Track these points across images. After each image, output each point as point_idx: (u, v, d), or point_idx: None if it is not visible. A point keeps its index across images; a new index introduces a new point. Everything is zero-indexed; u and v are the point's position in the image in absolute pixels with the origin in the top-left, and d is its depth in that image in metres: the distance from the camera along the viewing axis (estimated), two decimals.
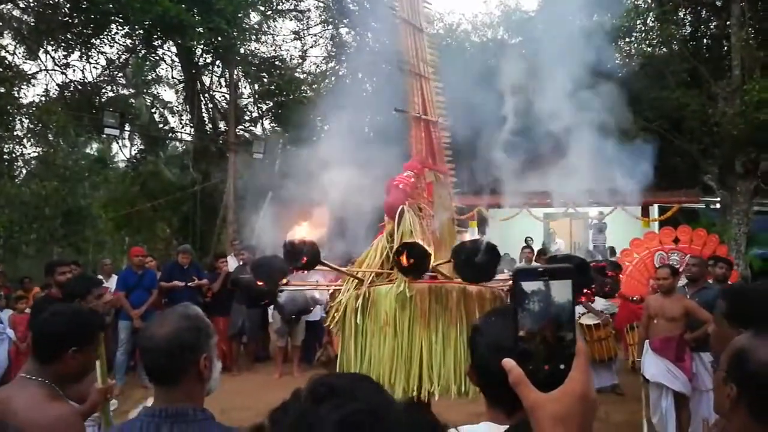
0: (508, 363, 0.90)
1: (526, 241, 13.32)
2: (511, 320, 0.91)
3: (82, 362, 2.27)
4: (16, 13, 15.35)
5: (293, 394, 0.83)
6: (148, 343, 1.83)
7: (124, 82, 18.41)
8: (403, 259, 3.21)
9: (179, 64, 17.70)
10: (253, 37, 16.76)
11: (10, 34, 15.24)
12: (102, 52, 16.32)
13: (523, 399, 0.89)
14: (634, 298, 7.61)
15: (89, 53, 15.85)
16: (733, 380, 1.44)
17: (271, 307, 8.33)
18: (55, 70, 16.22)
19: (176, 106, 19.42)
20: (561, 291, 0.90)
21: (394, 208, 3.66)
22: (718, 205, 13.20)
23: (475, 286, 3.49)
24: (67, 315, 2.33)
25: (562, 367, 0.89)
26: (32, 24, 15.33)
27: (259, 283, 3.37)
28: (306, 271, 3.65)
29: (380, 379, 3.33)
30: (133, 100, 18.54)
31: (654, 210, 13.76)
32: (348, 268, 4.00)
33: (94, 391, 2.67)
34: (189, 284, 8.77)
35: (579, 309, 7.58)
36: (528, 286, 0.90)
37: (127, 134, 17.94)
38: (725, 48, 13.27)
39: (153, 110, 19.31)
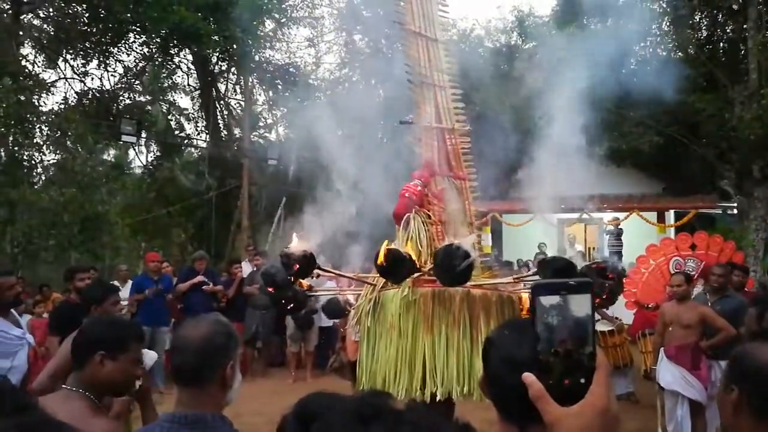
0: (528, 377, 0.91)
1: (539, 247, 13.24)
2: (531, 335, 0.92)
3: (113, 371, 2.21)
4: (36, 22, 15.65)
5: (335, 412, 0.81)
6: (181, 342, 1.87)
7: (141, 89, 18.67)
8: (379, 260, 3.33)
9: (195, 72, 17.91)
10: (268, 44, 16.90)
11: (30, 44, 15.53)
12: (119, 61, 16.59)
13: (543, 414, 0.89)
14: (650, 305, 7.54)
15: (107, 61, 16.11)
16: (734, 382, 1.43)
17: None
18: (73, 79, 16.50)
19: (192, 113, 19.63)
20: (579, 305, 0.90)
21: (400, 217, 3.78)
22: (735, 211, 13.05)
23: (479, 289, 3.56)
24: (101, 322, 2.38)
25: (582, 381, 0.90)
26: (52, 33, 15.61)
27: (269, 290, 3.55)
28: (313, 278, 3.82)
29: (386, 380, 3.44)
30: (149, 108, 18.77)
31: (670, 215, 13.62)
32: (356, 273, 4.10)
33: (117, 402, 2.71)
34: (204, 288, 8.85)
35: None
36: (546, 300, 0.91)
37: (143, 141, 18.17)
38: (742, 52, 13.12)
39: (169, 117, 19.54)
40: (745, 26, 12.31)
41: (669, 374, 5.56)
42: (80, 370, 2.24)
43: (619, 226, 12.77)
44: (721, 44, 14.15)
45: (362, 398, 0.82)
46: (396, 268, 3.32)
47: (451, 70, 4.46)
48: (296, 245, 3.61)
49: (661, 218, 13.34)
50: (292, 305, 3.78)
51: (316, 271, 3.76)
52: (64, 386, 2.26)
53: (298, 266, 3.48)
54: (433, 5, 4.42)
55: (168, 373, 7.33)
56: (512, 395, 0.97)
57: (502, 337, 1.44)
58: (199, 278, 8.82)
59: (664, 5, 13.52)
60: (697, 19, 13.70)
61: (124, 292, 8.46)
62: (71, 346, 2.34)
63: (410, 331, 3.46)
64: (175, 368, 1.88)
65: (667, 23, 13.32)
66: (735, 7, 13.06)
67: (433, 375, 3.37)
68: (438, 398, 3.32)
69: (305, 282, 4.01)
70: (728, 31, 13.92)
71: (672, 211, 13.58)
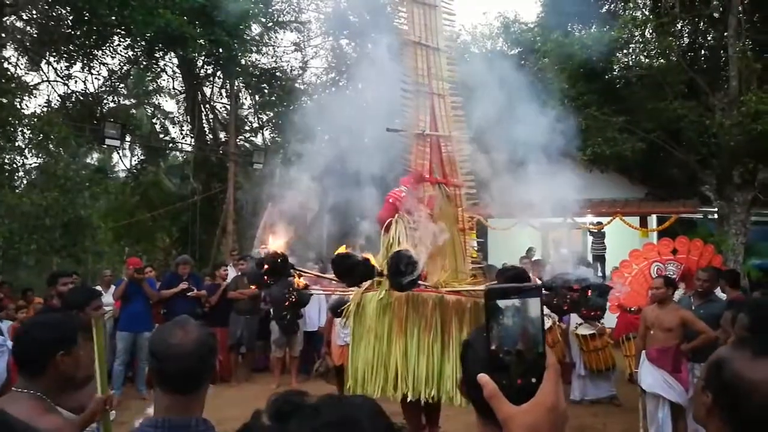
0: (483, 378, 0.94)
1: (528, 251, 13.28)
2: (484, 337, 0.96)
3: (72, 364, 2.23)
4: (19, 24, 15.47)
5: (254, 416, 0.84)
6: (176, 350, 1.80)
7: (125, 92, 18.54)
8: (334, 264, 3.45)
9: (180, 75, 17.83)
10: (254, 48, 16.87)
11: (12, 46, 15.35)
12: (104, 63, 16.43)
13: (496, 412, 0.93)
14: (632, 309, 7.63)
15: (91, 64, 15.96)
16: (709, 388, 1.45)
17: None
18: (57, 81, 16.35)
19: (177, 117, 19.54)
20: (530, 308, 0.94)
21: (383, 221, 3.86)
22: (716, 216, 13.23)
23: (453, 295, 3.66)
24: (45, 325, 2.30)
25: (533, 380, 0.94)
26: (35, 35, 15.45)
27: (252, 287, 3.71)
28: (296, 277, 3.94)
29: (364, 380, 3.50)
30: (134, 111, 18.63)
31: (652, 220, 13.78)
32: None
33: (93, 401, 2.69)
34: (188, 294, 8.79)
35: (576, 319, 7.59)
36: (500, 303, 0.95)
37: (127, 145, 18.02)
38: (723, 59, 13.34)
39: (154, 121, 19.41)
40: (725, 34, 12.51)
41: (650, 377, 5.62)
42: (37, 375, 2.16)
43: (602, 230, 12.90)
44: (703, 52, 14.38)
45: (280, 397, 0.86)
46: (348, 271, 3.41)
47: (453, 79, 4.48)
48: (271, 246, 3.71)
49: (643, 223, 13.49)
50: (291, 301, 3.85)
51: (292, 271, 3.84)
52: (13, 389, 2.21)
53: (267, 266, 3.58)
54: (438, 15, 4.43)
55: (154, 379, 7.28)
56: None
57: (480, 339, 1.46)
58: (183, 285, 8.77)
59: (647, 13, 13.72)
60: (679, 27, 13.90)
61: (107, 297, 8.39)
62: (16, 356, 2.28)
63: (385, 333, 3.54)
64: (171, 375, 1.82)
65: (650, 31, 13.51)
66: (716, 15, 13.28)
67: (405, 376, 3.45)
68: (409, 399, 3.39)
69: (301, 281, 4.09)
70: (709, 38, 14.15)
71: (654, 216, 13.74)
